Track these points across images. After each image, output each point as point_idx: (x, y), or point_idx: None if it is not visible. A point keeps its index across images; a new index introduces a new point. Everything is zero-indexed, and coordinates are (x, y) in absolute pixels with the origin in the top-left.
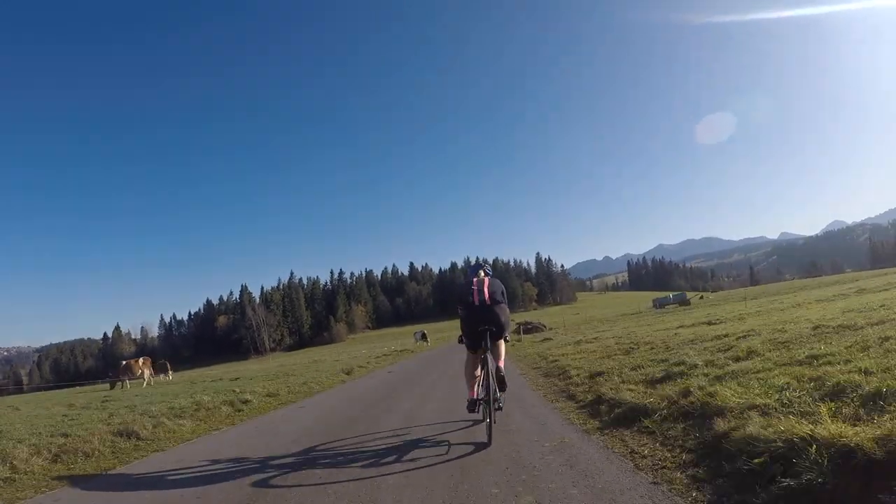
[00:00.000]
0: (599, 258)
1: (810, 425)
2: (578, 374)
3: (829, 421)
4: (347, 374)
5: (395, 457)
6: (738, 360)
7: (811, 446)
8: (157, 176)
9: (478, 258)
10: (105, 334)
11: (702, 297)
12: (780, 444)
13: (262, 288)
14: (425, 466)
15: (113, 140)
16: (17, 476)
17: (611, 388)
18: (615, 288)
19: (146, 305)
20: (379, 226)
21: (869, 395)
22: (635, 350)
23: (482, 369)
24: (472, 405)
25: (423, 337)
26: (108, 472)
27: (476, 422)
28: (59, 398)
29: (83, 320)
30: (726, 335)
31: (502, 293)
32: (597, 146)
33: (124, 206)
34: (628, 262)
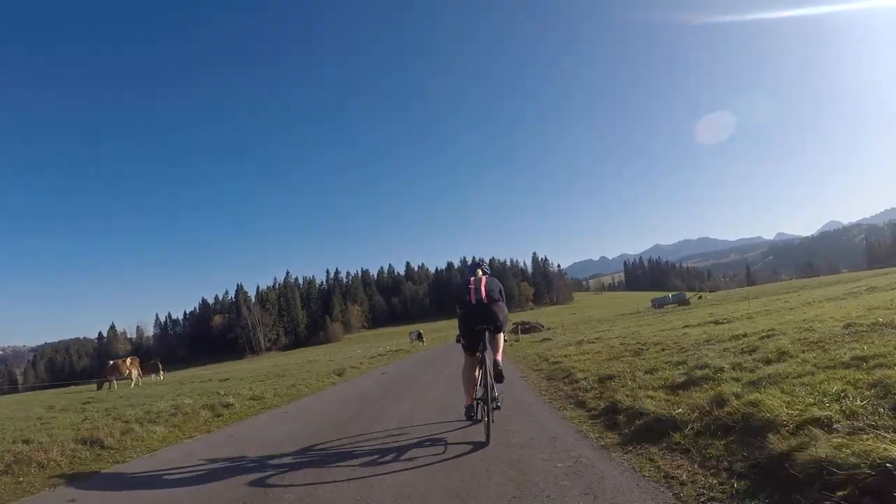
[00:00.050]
0: (596, 258)
1: None
2: (586, 378)
3: None
4: (339, 375)
5: (387, 464)
6: (768, 362)
7: None
8: (154, 176)
9: (474, 258)
10: (100, 334)
11: (700, 297)
12: (866, 469)
13: (258, 287)
14: (422, 466)
15: (112, 140)
16: None
17: (626, 395)
18: (611, 288)
19: (142, 304)
20: (376, 226)
21: None
22: (645, 351)
23: (480, 370)
24: (470, 413)
25: (419, 337)
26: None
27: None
28: (45, 399)
29: (79, 320)
30: (744, 335)
31: (500, 292)
32: (595, 146)
33: (122, 206)
34: (625, 262)
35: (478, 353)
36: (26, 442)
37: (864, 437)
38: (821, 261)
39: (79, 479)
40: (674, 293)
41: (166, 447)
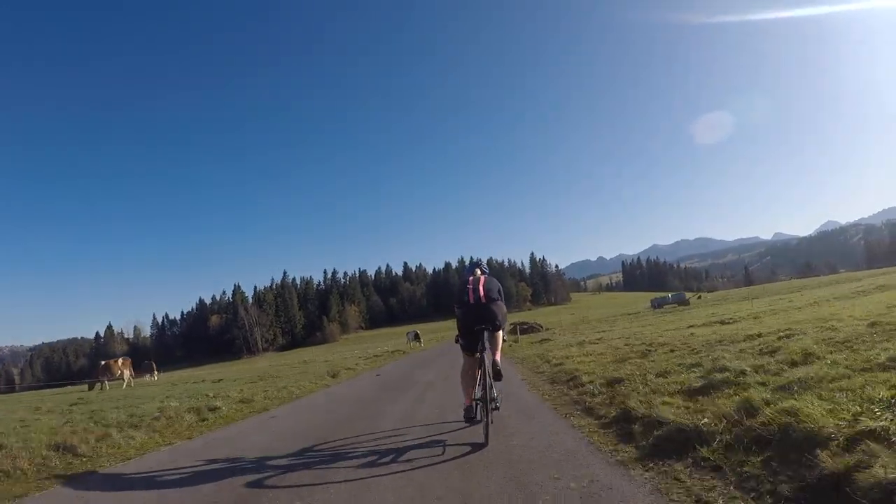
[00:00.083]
0: (593, 258)
1: None
2: (592, 381)
3: None
4: (333, 377)
5: (381, 467)
6: (794, 364)
7: None
8: (153, 176)
9: (472, 258)
10: (97, 334)
11: (699, 297)
12: None
13: (255, 287)
14: (420, 469)
15: (110, 141)
16: None
17: (640, 401)
18: (609, 288)
19: (139, 305)
20: (374, 226)
21: None
22: (653, 352)
23: (479, 371)
24: (469, 414)
25: (416, 337)
26: None
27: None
28: (35, 400)
29: (77, 320)
30: (759, 335)
31: (498, 291)
32: (594, 147)
33: (120, 207)
34: (622, 262)
35: (477, 354)
36: None
37: None
38: (819, 261)
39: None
40: (673, 293)
41: (142, 455)
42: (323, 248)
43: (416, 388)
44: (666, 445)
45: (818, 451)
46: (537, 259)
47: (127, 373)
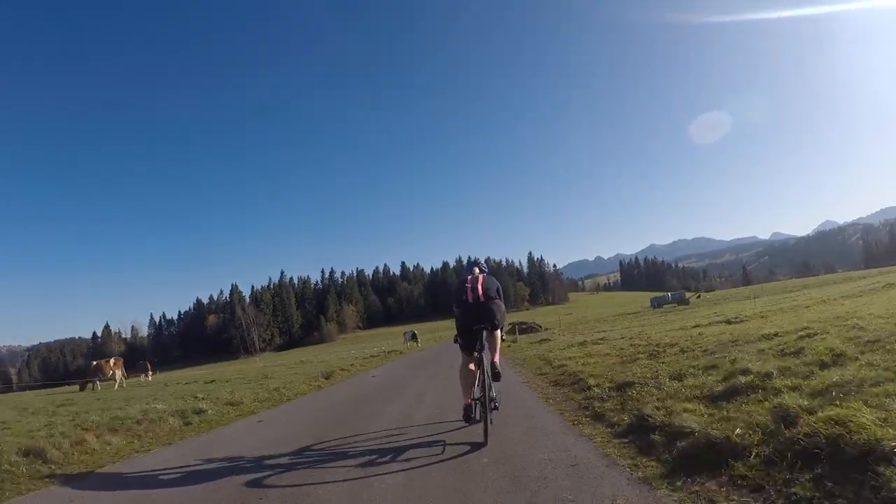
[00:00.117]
0: (591, 258)
1: None
2: (599, 385)
3: None
4: (326, 378)
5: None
6: (824, 366)
7: None
8: (151, 177)
9: (469, 257)
10: (94, 334)
11: (699, 297)
12: None
13: (253, 287)
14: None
15: (108, 141)
16: None
17: (657, 407)
18: (607, 288)
19: (136, 304)
20: (371, 226)
21: None
22: (661, 353)
23: (478, 371)
24: (469, 413)
25: (413, 337)
26: None
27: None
28: (23, 400)
29: (75, 319)
30: (776, 334)
31: (497, 290)
32: (593, 147)
33: (118, 207)
34: (620, 262)
35: (475, 353)
36: None
37: None
38: (816, 261)
39: None
40: (673, 292)
41: (116, 463)
42: (320, 248)
43: (411, 392)
44: (693, 459)
45: (882, 469)
46: (535, 259)
47: (119, 373)
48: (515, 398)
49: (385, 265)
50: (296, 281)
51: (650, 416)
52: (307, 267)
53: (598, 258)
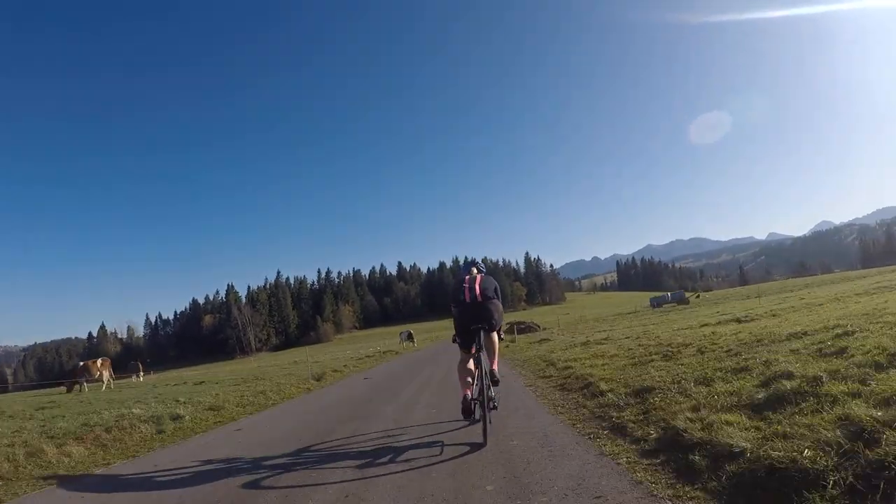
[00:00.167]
0: (588, 258)
1: None
2: (612, 390)
3: None
4: (317, 380)
5: None
6: (879, 367)
7: None
8: (149, 177)
9: (466, 257)
10: (90, 334)
11: (698, 297)
12: None
13: (249, 287)
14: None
15: (107, 140)
16: None
17: (690, 419)
18: (604, 288)
19: (132, 304)
20: (369, 226)
21: None
22: (677, 354)
23: (476, 367)
24: (468, 408)
25: (409, 337)
26: None
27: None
28: (8, 402)
29: (70, 319)
30: (804, 332)
31: (495, 290)
32: (592, 147)
33: (115, 206)
34: (617, 262)
35: (473, 351)
36: None
37: None
38: (813, 261)
39: None
40: (673, 292)
41: (67, 477)
42: (317, 248)
43: (405, 396)
44: (751, 489)
45: None
46: (532, 259)
47: (106, 374)
48: (519, 405)
49: (381, 265)
50: (292, 281)
51: (685, 431)
52: (303, 267)
53: (595, 258)
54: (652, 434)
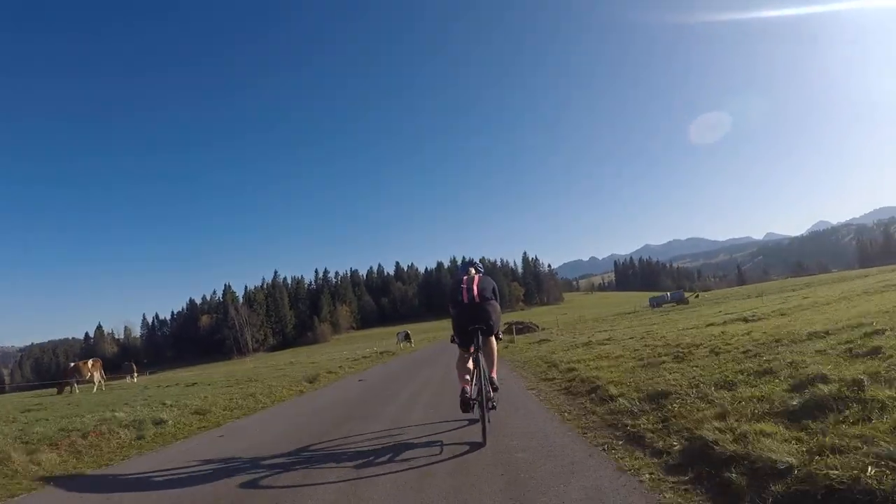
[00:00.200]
0: (585, 258)
1: None
2: (624, 394)
3: None
4: (310, 382)
5: None
6: None
7: None
8: (146, 177)
9: (464, 257)
10: (87, 334)
11: (697, 296)
12: None
13: (246, 287)
14: None
15: (102, 141)
16: None
17: (719, 429)
18: (601, 288)
19: (129, 304)
20: (366, 226)
21: None
22: (688, 355)
23: (474, 367)
24: (466, 401)
25: (407, 338)
26: None
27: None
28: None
29: (67, 320)
30: (827, 332)
31: (493, 290)
32: (592, 148)
33: (111, 206)
34: (615, 262)
35: (472, 351)
36: None
37: None
38: (810, 261)
39: None
40: (672, 292)
41: (30, 492)
42: (315, 248)
43: (400, 400)
44: None
45: None
46: (530, 259)
47: (97, 375)
48: (522, 410)
49: (379, 265)
50: (289, 281)
51: (715, 443)
52: (301, 267)
53: (593, 258)
54: (675, 446)
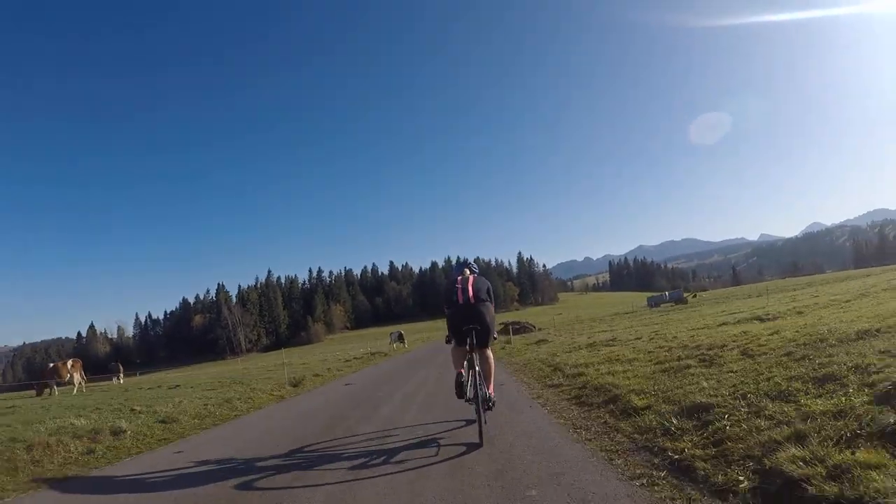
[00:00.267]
0: (580, 258)
1: None
2: (651, 406)
3: None
4: (294, 386)
5: None
6: None
7: None
8: (142, 177)
9: (459, 257)
10: (79, 334)
11: (695, 296)
12: None
13: (240, 287)
14: None
15: (99, 141)
16: None
17: (802, 459)
18: (596, 288)
19: (122, 304)
20: (361, 226)
21: None
22: (717, 359)
23: (469, 367)
24: (460, 385)
25: (400, 338)
26: None
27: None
28: None
29: (59, 320)
30: (878, 330)
31: (488, 291)
32: (590, 148)
33: (106, 206)
34: (610, 262)
35: (466, 347)
36: None
37: None
38: (805, 261)
39: None
40: (670, 291)
41: None
42: (309, 247)
43: (390, 408)
44: None
45: None
46: (525, 259)
47: (77, 376)
48: (530, 428)
49: (373, 264)
50: (283, 280)
51: (805, 480)
52: (295, 266)
53: (588, 259)
54: (742, 482)
